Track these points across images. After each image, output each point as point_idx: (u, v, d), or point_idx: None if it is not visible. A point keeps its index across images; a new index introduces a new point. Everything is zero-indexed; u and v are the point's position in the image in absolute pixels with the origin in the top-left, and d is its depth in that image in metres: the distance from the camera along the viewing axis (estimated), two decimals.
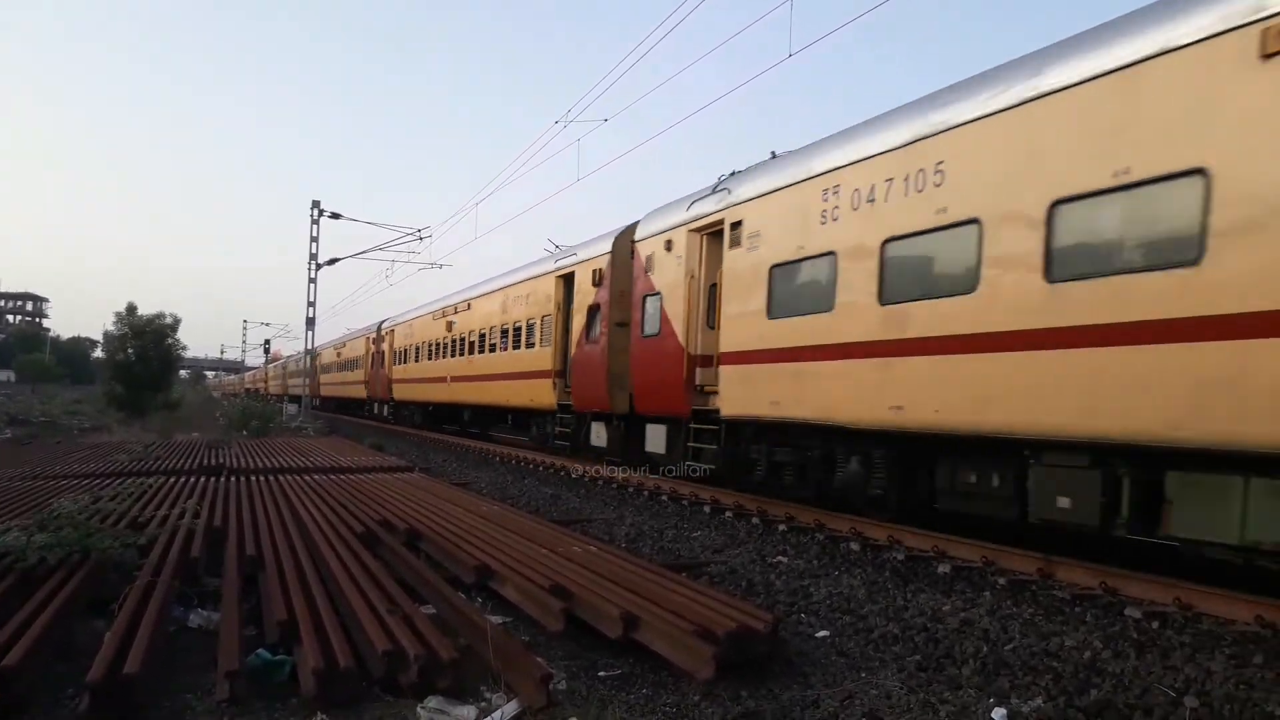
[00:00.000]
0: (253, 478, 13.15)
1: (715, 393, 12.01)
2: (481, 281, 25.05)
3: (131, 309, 34.24)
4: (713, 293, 12.53)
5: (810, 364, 9.97)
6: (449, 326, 26.59)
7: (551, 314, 18.52)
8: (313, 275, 34.95)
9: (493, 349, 22.44)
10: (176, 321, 35.17)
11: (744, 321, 11.30)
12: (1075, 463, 7.27)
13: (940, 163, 8.42)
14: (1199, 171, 6.28)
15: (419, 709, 4.54)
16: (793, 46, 12.96)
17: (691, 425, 12.81)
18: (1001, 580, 7.78)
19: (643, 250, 14.41)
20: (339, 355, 47.83)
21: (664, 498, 13.36)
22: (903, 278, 8.87)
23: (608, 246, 16.02)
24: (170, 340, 34.95)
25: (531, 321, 19.81)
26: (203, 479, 12.70)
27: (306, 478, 13.46)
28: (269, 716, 4.55)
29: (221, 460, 15.81)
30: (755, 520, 11.14)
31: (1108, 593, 7.20)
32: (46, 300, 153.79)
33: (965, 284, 8.07)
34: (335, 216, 34.89)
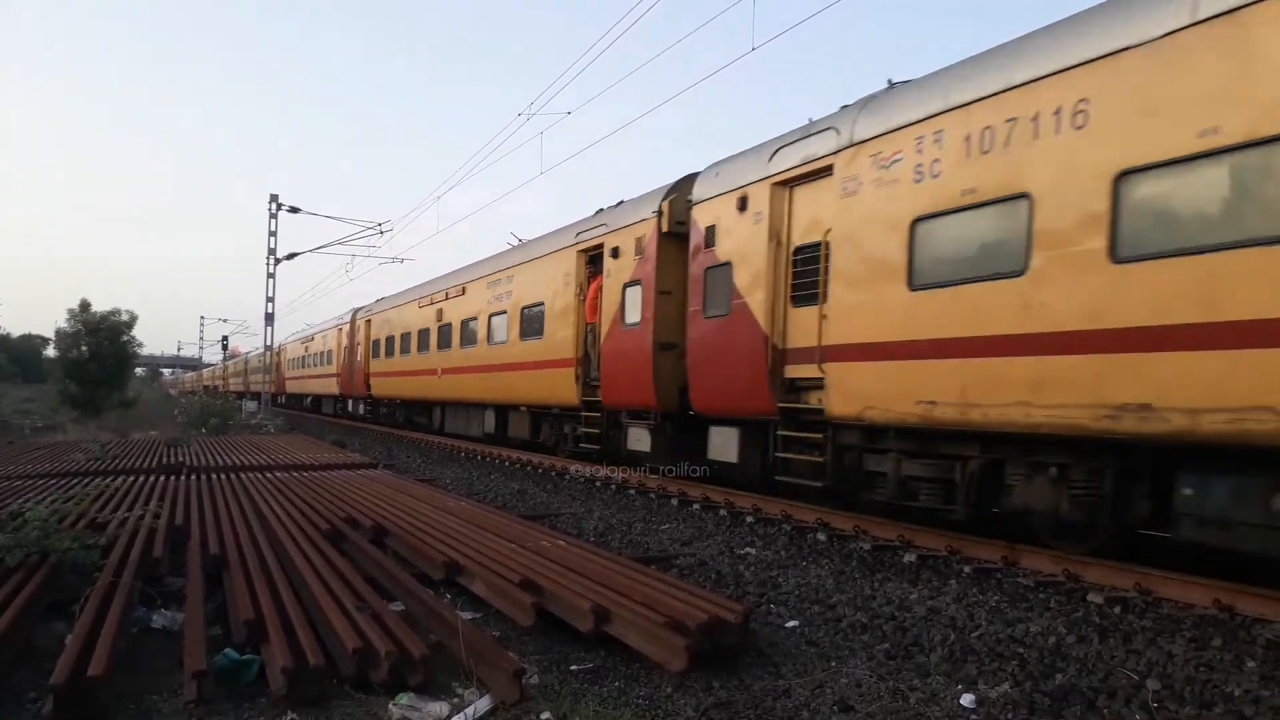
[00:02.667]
0: (213, 476, 12.95)
1: None
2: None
3: (85, 305, 33.59)
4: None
5: None
6: None
7: None
8: (271, 270, 34.53)
9: None
10: (132, 318, 34.55)
11: None
12: None
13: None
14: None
15: (391, 706, 4.50)
16: (755, 40, 12.94)
17: None
18: (967, 568, 7.88)
19: None
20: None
21: (631, 491, 13.37)
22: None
23: None
24: (126, 337, 34.32)
25: None
26: (162, 478, 12.49)
27: (269, 475, 13.28)
28: (238, 716, 4.49)
29: (181, 459, 15.55)
30: (723, 512, 11.17)
31: (1070, 579, 7.32)
32: None
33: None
34: (294, 210, 34.47)
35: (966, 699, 4.90)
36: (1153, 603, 6.68)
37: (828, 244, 9.62)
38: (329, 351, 33.98)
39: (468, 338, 21.10)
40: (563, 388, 15.85)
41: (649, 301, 13.12)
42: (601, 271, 14.66)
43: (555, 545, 7.81)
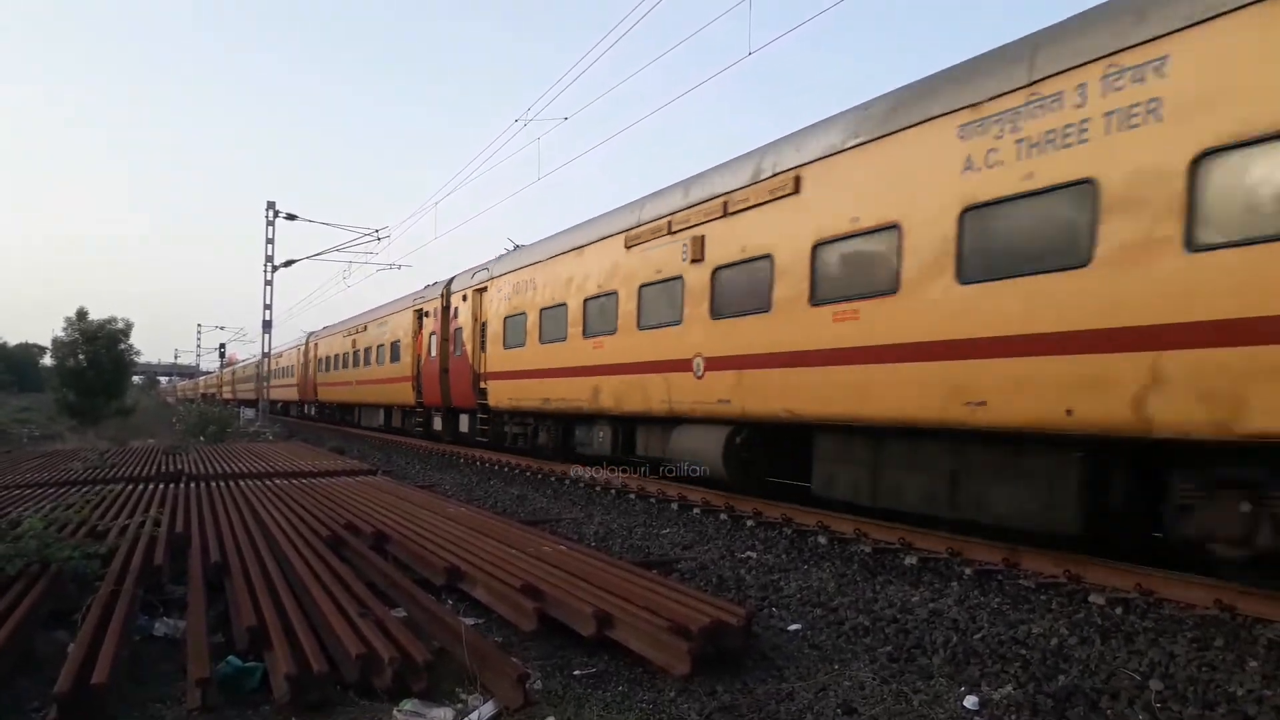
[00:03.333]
0: (213, 483, 12.94)
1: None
2: None
3: (82, 314, 33.57)
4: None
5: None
6: None
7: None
8: (269, 277, 34.50)
9: None
10: (129, 326, 34.54)
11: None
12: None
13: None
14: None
15: (395, 712, 4.50)
16: (752, 45, 13.02)
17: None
18: (968, 570, 7.89)
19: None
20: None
21: (631, 496, 13.37)
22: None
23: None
24: (123, 345, 34.30)
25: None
26: (162, 486, 12.47)
27: (268, 483, 13.27)
28: None
29: (180, 466, 15.54)
30: (723, 516, 11.18)
31: (1071, 580, 7.33)
32: None
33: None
34: (291, 218, 34.46)
35: (969, 701, 4.91)
36: (1154, 603, 6.69)
37: (485, 323, 19.29)
38: (292, 366, 42.74)
39: (368, 360, 29.96)
40: (407, 394, 25.14)
41: (438, 344, 22.37)
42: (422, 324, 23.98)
43: (556, 550, 7.80)
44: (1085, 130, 6.77)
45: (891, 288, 8.46)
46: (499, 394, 18.21)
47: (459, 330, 20.94)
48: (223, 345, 69.97)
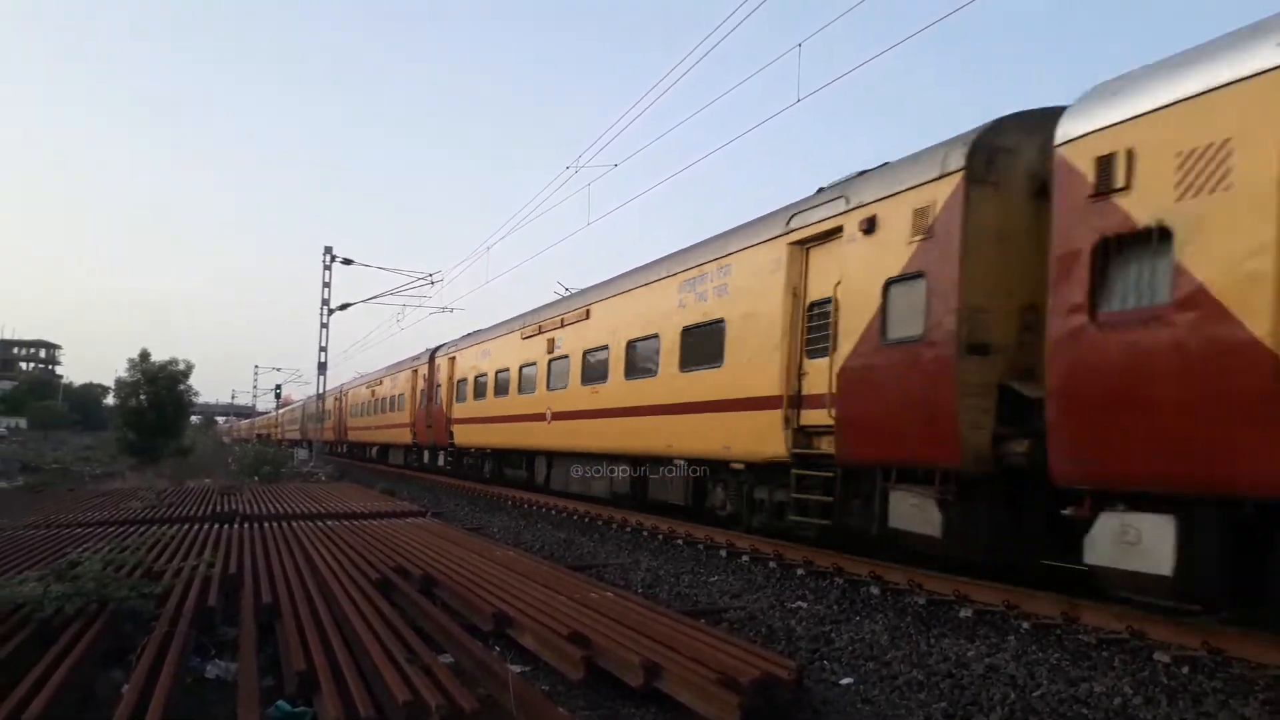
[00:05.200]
0: (266, 524, 13.11)
1: None
2: None
3: (144, 355, 34.44)
4: None
5: None
6: None
7: None
8: (325, 320, 35.21)
9: None
10: (189, 367, 35.35)
11: None
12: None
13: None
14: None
15: None
16: (801, 91, 13.08)
17: None
18: (1025, 624, 7.67)
19: None
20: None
21: (679, 541, 13.26)
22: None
23: None
24: (183, 386, 35.08)
25: None
26: (216, 526, 12.67)
27: (320, 524, 13.41)
28: None
29: (234, 507, 15.79)
30: (772, 564, 11.02)
31: (1135, 636, 7.08)
32: (59, 347, 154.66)
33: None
34: (348, 262, 35.20)
35: None
36: (1222, 663, 6.43)
37: (346, 409, 47.47)
38: (299, 418, 58.10)
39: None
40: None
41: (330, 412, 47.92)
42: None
43: (603, 597, 7.76)
44: None
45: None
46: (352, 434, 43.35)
47: (341, 408, 45.78)
48: (278, 386, 71.34)
